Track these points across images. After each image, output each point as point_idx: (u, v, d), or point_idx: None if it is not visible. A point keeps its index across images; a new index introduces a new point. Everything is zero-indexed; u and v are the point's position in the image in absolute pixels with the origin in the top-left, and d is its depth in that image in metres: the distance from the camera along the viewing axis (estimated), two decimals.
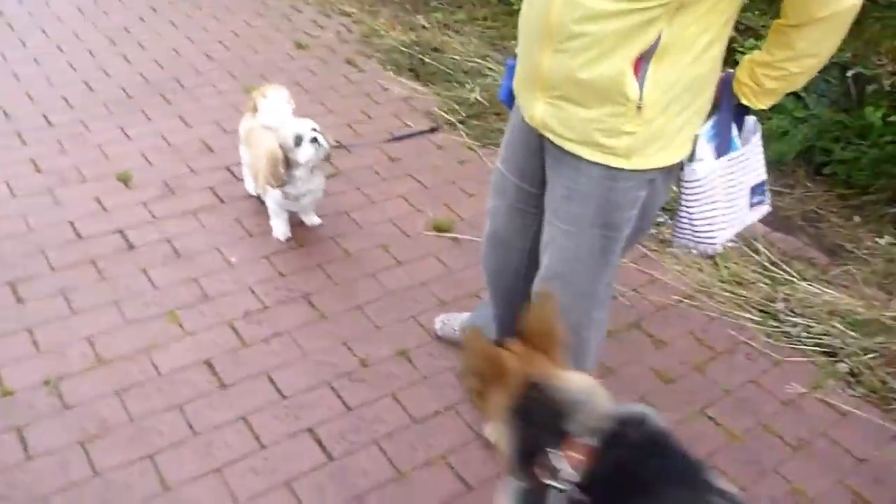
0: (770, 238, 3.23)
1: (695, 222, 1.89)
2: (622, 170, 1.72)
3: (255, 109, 3.01)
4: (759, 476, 2.25)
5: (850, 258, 3.21)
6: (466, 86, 4.22)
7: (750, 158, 1.89)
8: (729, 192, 1.87)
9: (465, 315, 2.57)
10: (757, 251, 3.14)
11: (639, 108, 1.63)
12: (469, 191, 3.39)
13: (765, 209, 1.99)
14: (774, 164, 3.54)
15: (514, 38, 4.69)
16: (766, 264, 3.09)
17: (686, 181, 1.83)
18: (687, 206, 1.87)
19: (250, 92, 3.18)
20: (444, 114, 3.97)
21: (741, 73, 1.74)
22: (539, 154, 1.91)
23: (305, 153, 2.74)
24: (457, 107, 4.04)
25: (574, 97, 1.69)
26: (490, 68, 4.43)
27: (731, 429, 2.39)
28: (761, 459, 2.30)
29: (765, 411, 2.47)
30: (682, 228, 1.93)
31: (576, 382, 1.34)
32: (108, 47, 4.31)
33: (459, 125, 3.88)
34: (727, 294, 2.93)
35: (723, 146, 1.81)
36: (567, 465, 1.20)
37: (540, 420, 1.30)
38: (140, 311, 2.58)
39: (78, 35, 4.40)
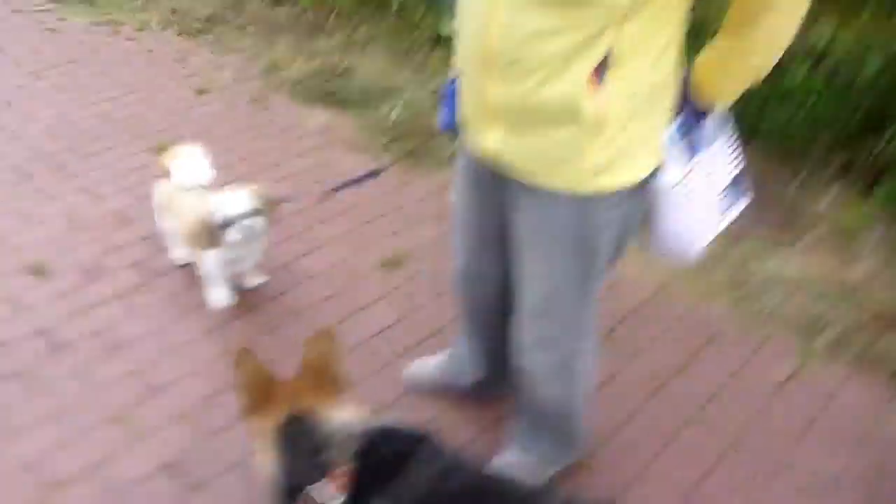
0: None
1: (671, 231, 1.78)
2: (589, 193, 1.60)
3: (169, 173, 2.78)
4: (772, 475, 2.18)
5: (800, 225, 3.19)
6: (384, 107, 4.06)
7: (722, 155, 1.79)
8: (704, 194, 1.77)
9: (437, 358, 2.42)
10: None
11: (598, 126, 1.51)
12: (411, 219, 3.24)
13: (745, 202, 1.90)
14: None
15: (421, 50, 4.52)
16: (722, 245, 3.04)
17: (656, 189, 1.72)
18: (661, 215, 1.76)
19: (159, 153, 2.94)
20: (366, 139, 3.80)
21: (697, 69, 1.63)
22: (497, 182, 1.77)
23: (233, 236, 2.53)
24: (378, 131, 3.87)
25: (526, 125, 1.56)
26: (403, 85, 4.27)
27: (729, 430, 2.31)
28: (771, 455, 2.23)
29: (756, 404, 2.40)
30: (658, 238, 1.82)
31: (334, 414, 1.47)
32: None
33: (385, 149, 3.72)
34: (693, 282, 2.87)
35: (692, 147, 1.71)
36: (332, 491, 1.36)
37: (303, 456, 1.41)
38: (83, 419, 2.33)
39: None
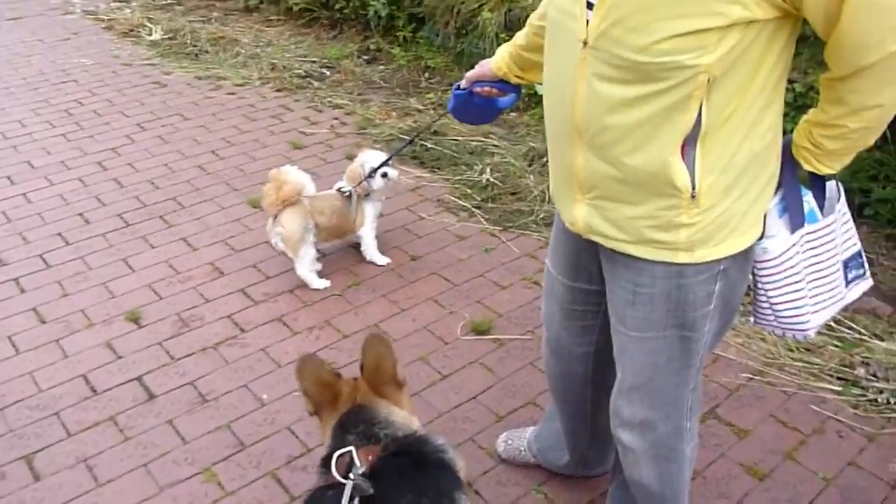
0: None
1: (776, 307, 1.66)
2: (687, 265, 1.52)
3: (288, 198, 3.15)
4: None
5: None
6: (475, 167, 4.05)
7: (835, 230, 1.68)
8: (814, 269, 1.65)
9: (530, 430, 2.34)
10: None
11: (693, 197, 1.43)
12: (501, 283, 3.18)
13: (865, 284, 1.78)
14: None
15: (512, 111, 4.52)
16: (831, 324, 2.87)
17: (759, 261, 1.62)
18: (764, 289, 1.65)
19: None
20: (456, 199, 3.80)
21: (798, 136, 1.53)
22: (591, 250, 1.71)
23: (377, 183, 3.23)
24: (469, 191, 3.87)
25: (617, 195, 1.51)
26: (495, 145, 4.28)
27: None
28: None
29: (874, 498, 2.22)
30: (763, 313, 1.70)
31: (386, 406, 1.58)
32: (99, 173, 4.13)
33: (476, 210, 3.70)
34: (798, 364, 2.72)
35: (796, 219, 1.61)
36: (359, 462, 1.44)
37: (351, 430, 1.53)
38: (172, 472, 2.33)
39: (66, 164, 4.23)
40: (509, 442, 2.34)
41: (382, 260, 3.33)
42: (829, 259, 1.68)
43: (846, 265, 1.72)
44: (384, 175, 3.24)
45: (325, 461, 1.49)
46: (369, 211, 3.30)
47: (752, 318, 1.73)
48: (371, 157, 3.27)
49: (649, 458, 1.81)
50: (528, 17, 1.90)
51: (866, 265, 1.77)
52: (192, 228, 3.60)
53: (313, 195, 3.22)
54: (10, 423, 2.52)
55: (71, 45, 6.06)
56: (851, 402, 2.55)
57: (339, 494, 1.37)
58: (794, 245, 1.60)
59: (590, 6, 1.39)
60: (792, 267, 1.63)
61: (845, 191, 1.71)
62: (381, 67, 5.49)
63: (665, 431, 1.77)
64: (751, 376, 2.66)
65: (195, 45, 5.95)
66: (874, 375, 2.64)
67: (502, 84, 1.97)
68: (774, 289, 1.64)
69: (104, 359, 2.80)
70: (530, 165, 4.06)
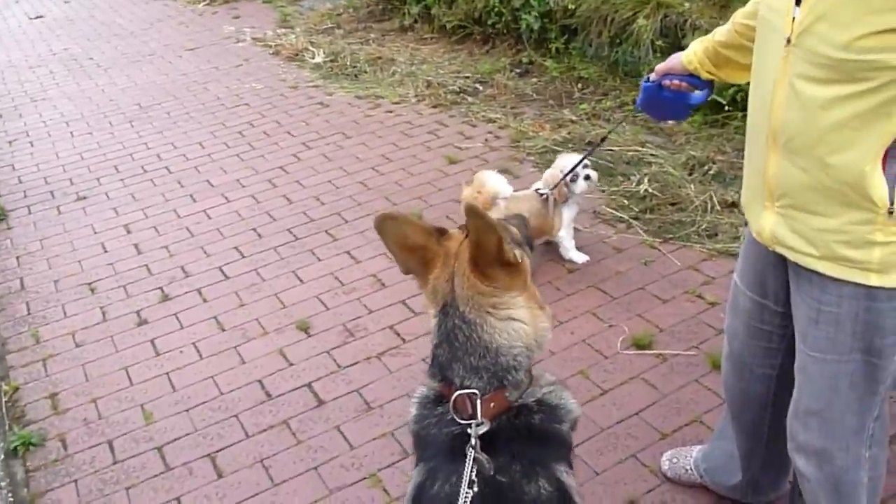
0: None
1: None
2: (880, 288, 1.42)
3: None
4: None
5: None
6: (632, 177, 3.97)
7: None
8: None
9: (696, 449, 2.26)
10: None
11: (891, 213, 1.33)
12: (662, 296, 3.10)
13: None
14: None
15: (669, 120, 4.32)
16: None
17: None
18: None
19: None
20: (614, 211, 3.74)
21: None
22: (781, 266, 1.63)
23: (580, 186, 3.27)
24: (626, 202, 3.79)
25: (807, 204, 1.43)
26: (653, 154, 4.17)
27: None
28: None
29: None
30: None
31: (501, 318, 1.33)
32: (270, 190, 4.40)
33: (634, 222, 3.63)
34: None
35: None
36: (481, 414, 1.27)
37: (459, 346, 1.32)
38: (340, 476, 2.44)
39: (240, 182, 4.53)
40: (674, 460, 2.27)
41: (581, 258, 3.38)
42: None
43: None
44: (587, 178, 3.27)
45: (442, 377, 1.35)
46: (567, 214, 3.34)
47: None
48: (569, 162, 3.27)
49: (824, 487, 1.70)
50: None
51: None
52: (356, 242, 3.75)
53: (511, 196, 3.29)
54: (196, 423, 2.72)
55: (242, 70, 6.50)
56: None
57: (455, 440, 1.27)
58: None
59: (798, 2, 1.35)
60: None
61: None
62: (534, 80, 5.50)
63: (843, 464, 1.66)
64: None
65: (354, 66, 6.21)
66: None
67: (692, 78, 1.93)
68: None
69: (277, 365, 2.97)
70: (690, 174, 3.93)
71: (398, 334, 3.06)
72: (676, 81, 1.96)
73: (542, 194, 3.30)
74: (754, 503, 2.14)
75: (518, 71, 5.70)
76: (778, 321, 1.77)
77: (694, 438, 2.38)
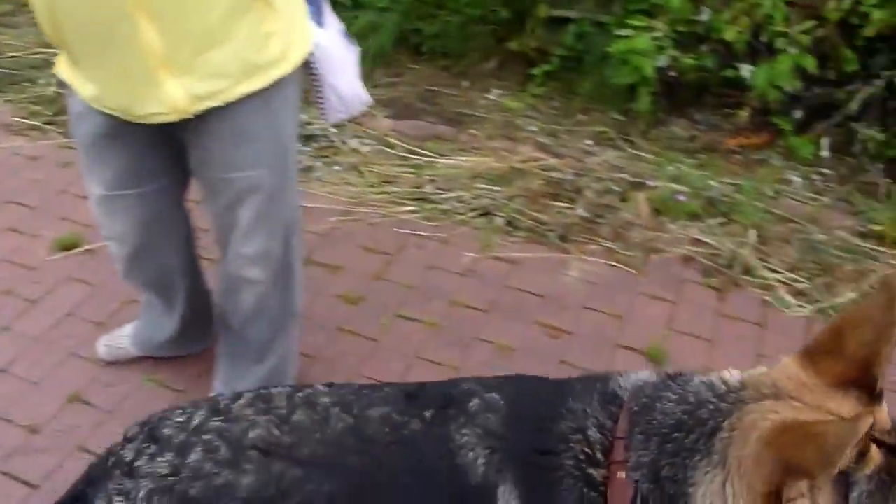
0: (399, 129, 3.32)
1: (339, 88, 1.88)
2: (281, 79, 1.65)
3: None
4: (466, 349, 2.36)
5: (472, 122, 3.41)
6: (39, 82, 3.71)
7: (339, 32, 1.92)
8: (346, 56, 1.91)
9: (128, 327, 2.32)
10: (392, 146, 3.22)
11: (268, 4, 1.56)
12: (85, 193, 3.01)
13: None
14: (378, 57, 3.61)
15: None
16: (405, 154, 3.18)
17: (315, 55, 1.80)
18: (326, 78, 1.85)
19: None
20: (24, 120, 3.47)
21: None
22: (159, 145, 1.74)
23: None
24: (37, 108, 3.54)
25: (205, 41, 1.53)
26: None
27: (428, 319, 2.46)
28: (462, 334, 2.41)
29: (450, 289, 2.58)
30: (329, 101, 1.90)
31: None
32: None
33: (49, 127, 3.42)
34: (380, 196, 2.98)
35: (318, 18, 1.83)
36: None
37: None
38: None
39: None
40: (108, 343, 2.31)
41: None
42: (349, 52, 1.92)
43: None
44: None
45: None
46: None
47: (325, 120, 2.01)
48: None
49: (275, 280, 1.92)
50: None
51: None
52: None
53: None
54: None
55: None
56: (426, 216, 2.88)
57: None
58: (328, 36, 1.83)
59: None
60: (337, 52, 1.86)
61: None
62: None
63: (290, 239, 1.91)
64: (340, 218, 2.87)
65: None
66: (440, 189, 2.99)
67: None
68: (332, 74, 1.85)
69: None
70: None
71: None
72: None
73: None
74: (193, 353, 2.30)
75: None
76: (172, 195, 1.93)
77: (130, 318, 2.43)
